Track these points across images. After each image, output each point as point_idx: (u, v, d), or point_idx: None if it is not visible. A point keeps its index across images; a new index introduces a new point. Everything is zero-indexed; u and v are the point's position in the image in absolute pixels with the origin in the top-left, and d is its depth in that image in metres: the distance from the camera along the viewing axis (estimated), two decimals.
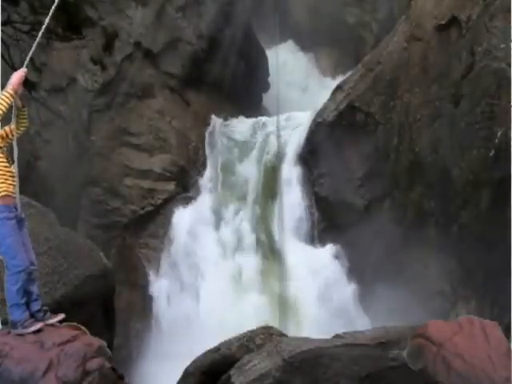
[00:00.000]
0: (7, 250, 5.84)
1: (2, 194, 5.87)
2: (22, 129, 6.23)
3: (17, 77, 5.99)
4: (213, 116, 18.28)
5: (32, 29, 12.22)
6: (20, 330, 5.88)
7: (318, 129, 15.87)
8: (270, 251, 16.03)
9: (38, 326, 5.92)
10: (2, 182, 5.90)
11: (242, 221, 16.32)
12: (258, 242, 16.11)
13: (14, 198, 5.97)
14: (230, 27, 19.08)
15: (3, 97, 5.87)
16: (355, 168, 15.27)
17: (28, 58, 6.21)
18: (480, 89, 12.36)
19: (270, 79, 20.87)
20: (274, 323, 10.51)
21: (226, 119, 18.31)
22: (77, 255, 11.56)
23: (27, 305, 5.98)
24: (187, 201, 17.05)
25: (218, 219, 16.53)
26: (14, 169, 6.04)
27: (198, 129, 18.15)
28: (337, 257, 15.22)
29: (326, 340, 6.36)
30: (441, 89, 13.56)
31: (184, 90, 18.46)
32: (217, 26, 18.74)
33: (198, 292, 15.53)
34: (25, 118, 6.23)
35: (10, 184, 5.96)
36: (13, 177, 5.99)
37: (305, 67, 23.69)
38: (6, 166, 5.98)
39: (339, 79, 17.99)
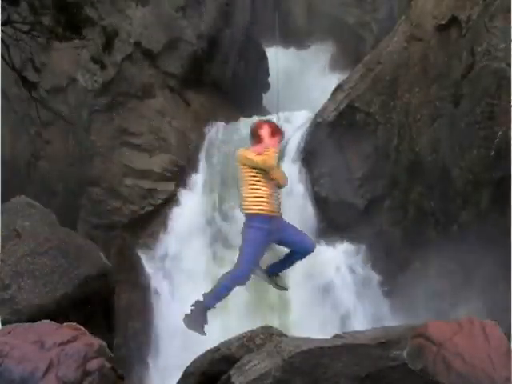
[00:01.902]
0: (244, 255, 6.27)
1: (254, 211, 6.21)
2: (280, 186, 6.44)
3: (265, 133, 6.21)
4: (213, 117, 18.30)
5: (32, 29, 12.23)
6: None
7: (318, 129, 15.87)
8: (270, 251, 16.00)
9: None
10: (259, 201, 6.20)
11: (241, 221, 16.30)
12: None
13: (272, 215, 6.26)
14: (230, 27, 19.10)
15: (271, 154, 6.09)
16: (355, 168, 15.27)
17: None
18: (480, 89, 12.36)
19: (270, 79, 20.87)
20: (274, 323, 10.51)
21: (226, 121, 18.31)
22: (77, 255, 11.57)
23: None
24: (187, 201, 17.05)
25: (218, 219, 16.53)
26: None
27: (198, 129, 18.16)
28: (337, 257, 15.22)
29: (326, 340, 6.35)
30: (441, 89, 13.56)
31: (184, 89, 18.47)
32: (217, 26, 18.76)
33: (197, 292, 15.51)
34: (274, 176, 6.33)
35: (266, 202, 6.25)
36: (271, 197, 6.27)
37: (305, 67, 23.69)
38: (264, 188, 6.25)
39: (339, 79, 17.99)
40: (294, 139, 16.87)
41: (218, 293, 6.17)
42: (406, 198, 14.42)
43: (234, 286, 6.15)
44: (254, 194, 6.28)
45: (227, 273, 6.22)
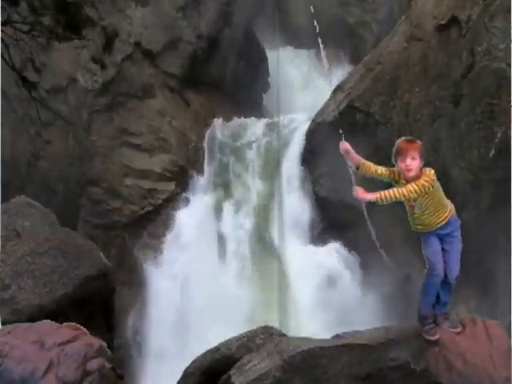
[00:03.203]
0: (428, 257, 6.53)
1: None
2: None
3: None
4: (213, 117, 18.31)
5: (32, 29, 12.22)
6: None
7: (318, 129, 15.86)
8: (270, 251, 16.03)
9: (436, 336, 5.87)
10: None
11: (241, 221, 16.33)
12: (258, 242, 16.11)
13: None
14: (230, 27, 19.08)
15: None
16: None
17: None
18: (480, 89, 12.36)
19: (270, 79, 20.86)
20: (274, 323, 10.51)
21: (226, 120, 18.30)
22: (77, 255, 11.60)
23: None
24: (187, 201, 17.05)
25: (218, 219, 16.53)
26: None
27: (198, 129, 18.15)
28: (337, 257, 15.22)
29: (326, 340, 6.36)
30: (441, 89, 13.56)
31: (184, 89, 18.46)
32: (217, 26, 18.75)
33: (197, 292, 15.53)
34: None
35: None
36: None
37: (305, 67, 23.69)
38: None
39: (339, 79, 17.99)
40: (294, 140, 16.87)
41: (428, 299, 6.18)
42: None
43: (435, 286, 6.18)
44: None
45: (425, 278, 6.32)
